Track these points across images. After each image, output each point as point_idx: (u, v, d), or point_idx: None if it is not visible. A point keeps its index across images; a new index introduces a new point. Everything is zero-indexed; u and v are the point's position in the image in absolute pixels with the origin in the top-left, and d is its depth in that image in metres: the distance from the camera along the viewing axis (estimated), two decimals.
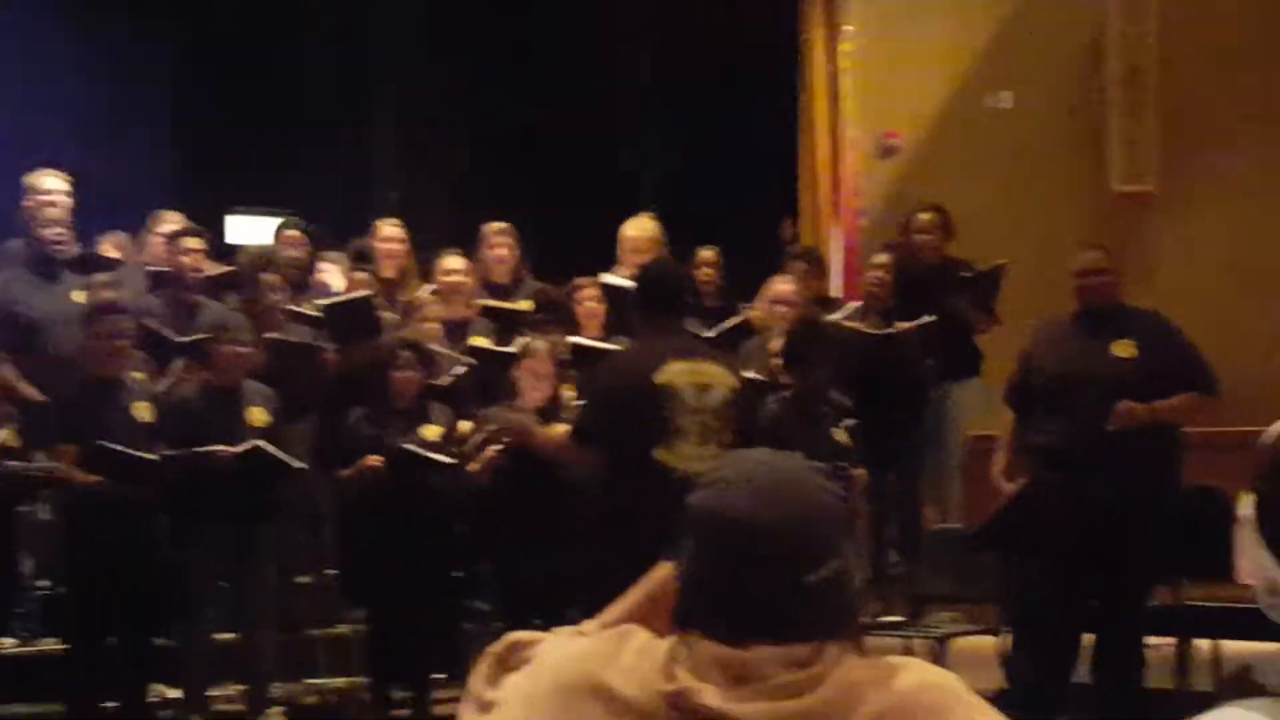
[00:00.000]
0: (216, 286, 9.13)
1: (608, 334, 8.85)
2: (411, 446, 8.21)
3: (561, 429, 7.93)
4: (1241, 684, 1.84)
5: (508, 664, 2.35)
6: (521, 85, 12.48)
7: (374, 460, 8.14)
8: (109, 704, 7.83)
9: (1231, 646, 7.62)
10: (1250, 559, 1.85)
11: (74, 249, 8.93)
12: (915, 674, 2.21)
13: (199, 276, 9.01)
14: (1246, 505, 1.84)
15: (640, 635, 2.27)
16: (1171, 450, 7.61)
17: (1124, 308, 7.72)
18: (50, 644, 8.11)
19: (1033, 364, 7.80)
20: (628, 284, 8.92)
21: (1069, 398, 7.51)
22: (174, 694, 8.11)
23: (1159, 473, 7.52)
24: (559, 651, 2.29)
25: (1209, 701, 1.83)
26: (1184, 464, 7.70)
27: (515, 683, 2.28)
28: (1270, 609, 1.84)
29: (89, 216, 9.15)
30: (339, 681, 8.71)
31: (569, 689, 2.19)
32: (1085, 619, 7.56)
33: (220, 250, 9.82)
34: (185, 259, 8.99)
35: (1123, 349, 7.53)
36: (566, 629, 2.40)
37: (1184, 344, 7.63)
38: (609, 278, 9.39)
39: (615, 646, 2.24)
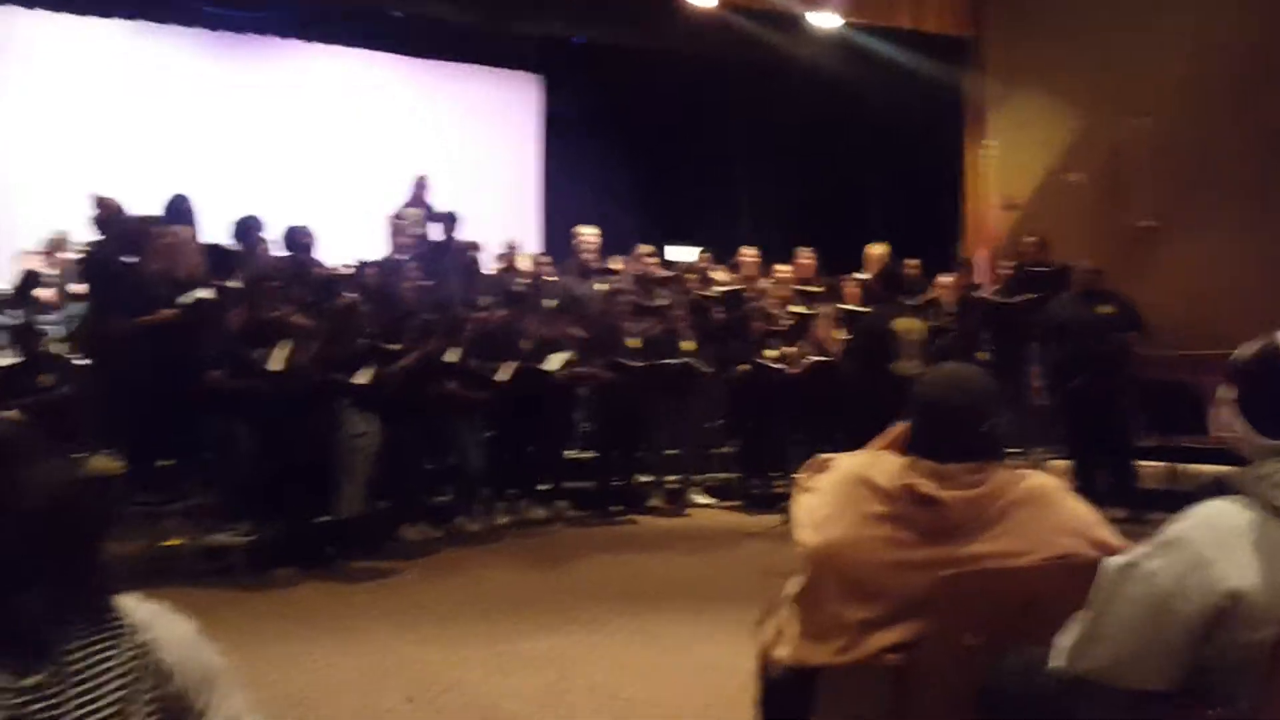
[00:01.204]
0: (662, 281, 9.14)
1: (862, 304, 8.63)
2: (760, 360, 8.16)
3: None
4: (1218, 486, 1.68)
5: (819, 468, 2.33)
6: (819, 170, 12.21)
7: (743, 367, 8.17)
8: (616, 483, 8.09)
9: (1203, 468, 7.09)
10: (1227, 422, 1.70)
11: (596, 264, 9.17)
12: (1036, 477, 2.16)
13: (654, 277, 9.04)
14: (1228, 392, 1.68)
15: (888, 455, 2.26)
16: (1129, 359, 7.40)
17: (1107, 289, 7.51)
18: (588, 454, 8.23)
19: (1060, 312, 7.58)
20: (868, 278, 8.73)
21: (1079, 333, 7.33)
22: (646, 479, 8.27)
23: (1127, 371, 7.35)
24: (846, 461, 2.24)
25: (1191, 497, 1.69)
26: (1147, 369, 7.54)
27: (823, 477, 2.22)
28: (1238, 450, 1.69)
29: (606, 246, 9.35)
30: (726, 475, 8.63)
31: (850, 480, 2.14)
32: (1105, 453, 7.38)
33: (664, 264, 9.87)
34: (647, 269, 9.10)
35: (1105, 310, 7.39)
36: (847, 452, 2.30)
37: (1132, 307, 7.43)
38: (859, 275, 9.16)
39: (875, 459, 2.22)
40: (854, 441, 2.43)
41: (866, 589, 2.03)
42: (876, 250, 9.36)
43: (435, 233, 8.96)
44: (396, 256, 8.40)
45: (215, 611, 5.17)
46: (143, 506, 6.14)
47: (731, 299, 8.83)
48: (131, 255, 6.41)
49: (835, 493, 2.15)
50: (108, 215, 6.73)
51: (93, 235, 6.82)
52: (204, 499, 6.42)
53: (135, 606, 1.37)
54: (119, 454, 6.01)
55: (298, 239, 7.87)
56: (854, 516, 2.09)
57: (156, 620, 1.37)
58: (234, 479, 6.21)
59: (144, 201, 7.20)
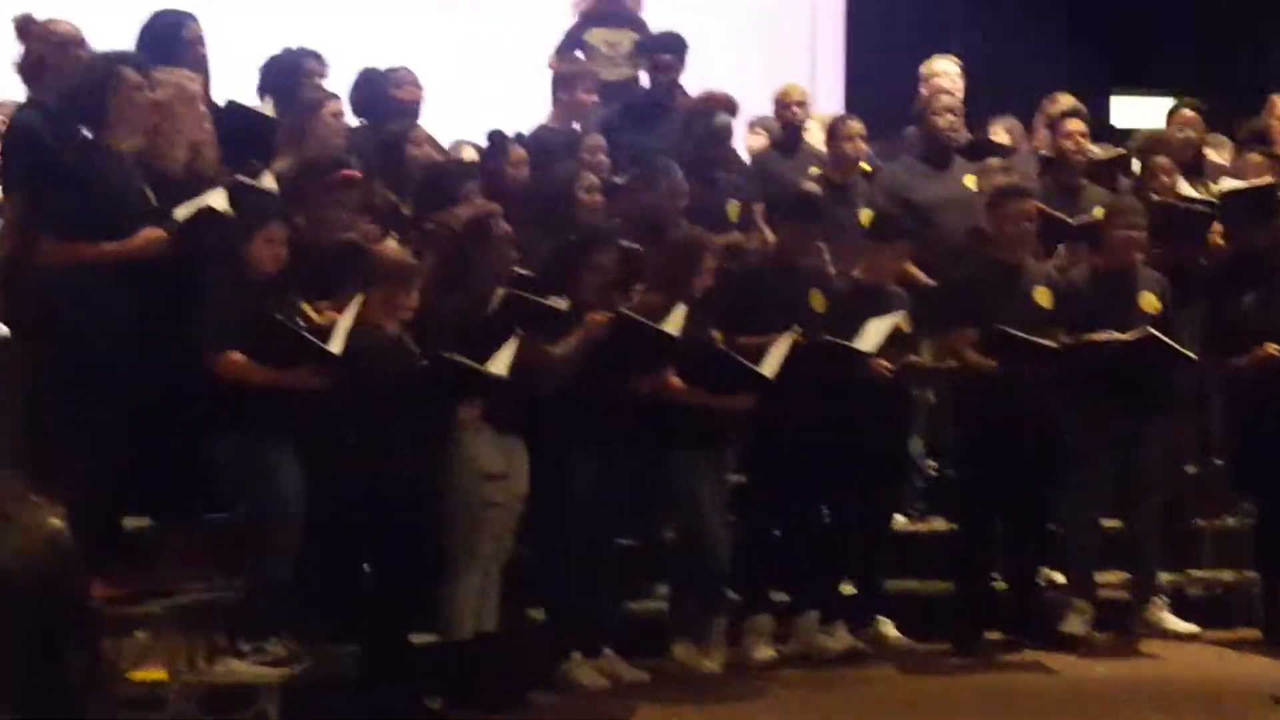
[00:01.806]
0: (1099, 170, 8.90)
1: None
2: None
3: None
4: None
5: None
6: None
7: (1273, 349, 7.77)
8: (997, 583, 7.92)
9: None
10: None
11: (960, 134, 8.94)
12: None
13: (1082, 160, 8.82)
14: None
15: None
16: None
17: None
18: (938, 523, 8.21)
19: None
20: None
21: None
22: (1058, 578, 8.07)
23: None
24: None
25: None
26: None
27: None
28: None
29: (978, 101, 9.16)
30: (1226, 574, 8.41)
31: None
32: None
33: (1104, 133, 9.54)
34: (1068, 142, 8.80)
35: None
36: None
37: None
38: None
39: None
40: None
41: None
42: None
43: (643, 78, 9.02)
44: (569, 125, 8.47)
45: None
46: (101, 603, 6.31)
47: (1245, 205, 8.56)
48: (89, 125, 6.54)
49: None
50: (46, 51, 6.88)
51: (19, 89, 7.05)
52: (209, 593, 6.58)
53: None
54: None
55: (386, 94, 7.95)
56: None
57: None
58: (264, 559, 6.33)
59: (114, 29, 7.40)
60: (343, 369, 6.25)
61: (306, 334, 6.30)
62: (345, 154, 7.32)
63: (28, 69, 6.91)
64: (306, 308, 6.53)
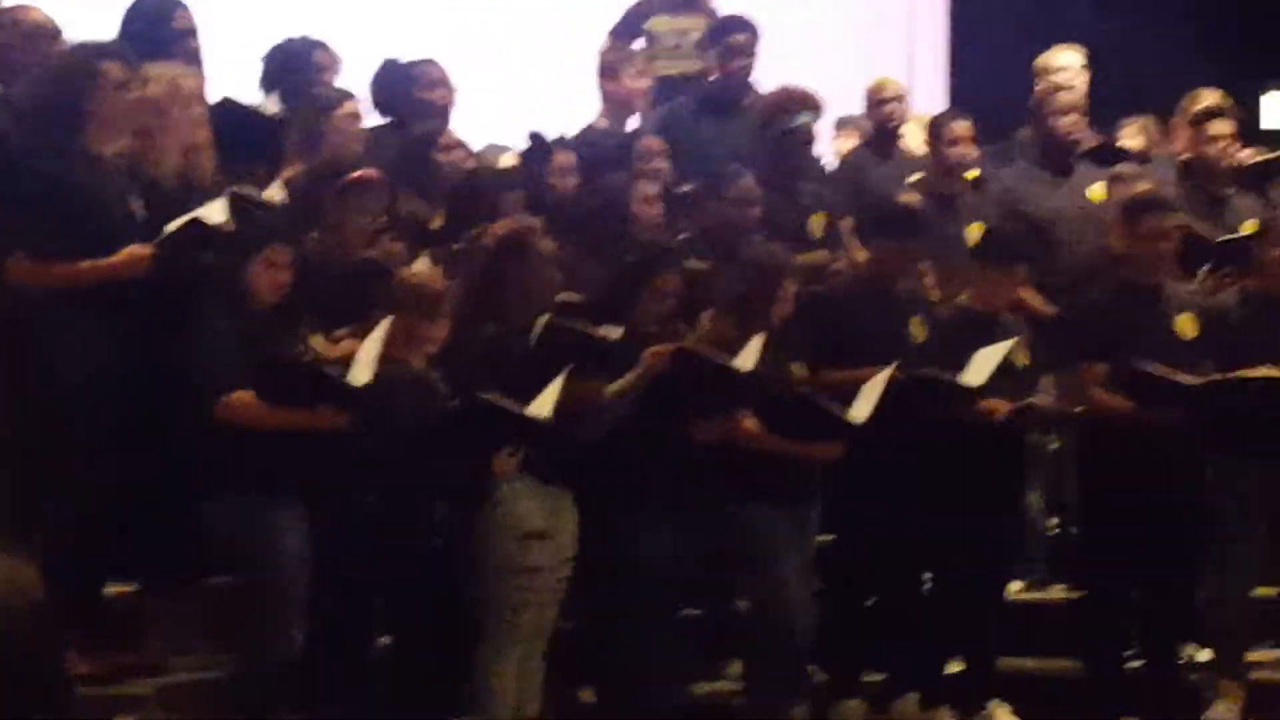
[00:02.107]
0: (1252, 177, 8.85)
1: None
2: None
3: None
4: None
5: None
6: None
7: None
8: (1129, 659, 7.78)
9: None
10: None
11: (1083, 138, 8.90)
12: None
13: (1229, 166, 8.75)
14: None
15: None
16: None
17: None
18: (1060, 591, 8.18)
19: None
20: None
21: None
22: (1203, 656, 7.95)
23: None
24: None
25: None
26: None
27: None
28: None
29: (1109, 98, 9.09)
30: None
31: None
32: None
33: (1255, 134, 9.43)
34: (1212, 146, 8.74)
35: None
36: None
37: None
38: None
39: None
40: None
41: None
42: None
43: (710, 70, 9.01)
44: (621, 121, 8.58)
45: None
46: (79, 682, 6.00)
47: None
48: (65, 127, 6.51)
49: None
50: (16, 43, 6.91)
51: None
52: (204, 671, 6.57)
53: None
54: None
55: (409, 93, 8.01)
56: None
57: None
58: (261, 634, 6.29)
59: (94, 19, 7.42)
60: (361, 410, 6.19)
61: (324, 368, 6.26)
62: (364, 160, 7.28)
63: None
64: (316, 340, 6.49)
